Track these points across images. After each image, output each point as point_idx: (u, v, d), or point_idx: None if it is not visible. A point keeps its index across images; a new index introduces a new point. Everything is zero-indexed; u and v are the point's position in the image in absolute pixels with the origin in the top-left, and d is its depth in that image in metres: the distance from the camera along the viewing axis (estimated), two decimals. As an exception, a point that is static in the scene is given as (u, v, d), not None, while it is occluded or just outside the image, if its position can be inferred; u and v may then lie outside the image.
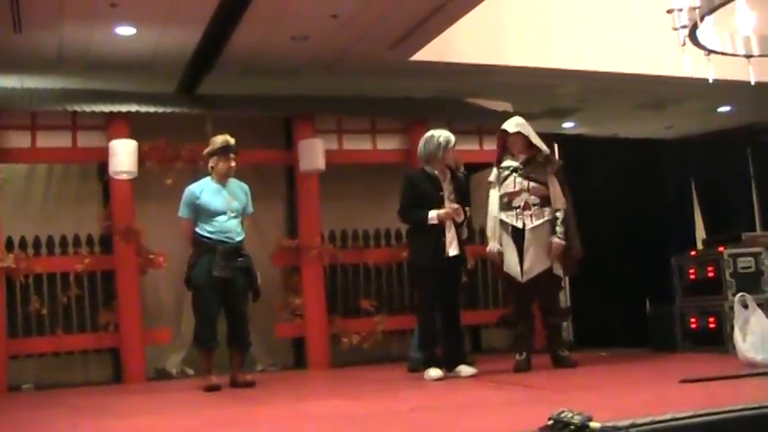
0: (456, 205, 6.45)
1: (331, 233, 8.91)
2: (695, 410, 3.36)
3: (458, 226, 6.49)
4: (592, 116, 11.11)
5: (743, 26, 6.13)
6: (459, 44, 8.39)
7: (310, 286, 8.58)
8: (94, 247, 8.19)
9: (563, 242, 6.53)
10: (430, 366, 6.38)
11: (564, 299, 8.50)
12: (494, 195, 6.69)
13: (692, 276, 7.72)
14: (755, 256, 7.37)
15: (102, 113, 8.02)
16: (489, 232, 6.69)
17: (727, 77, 6.47)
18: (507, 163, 6.67)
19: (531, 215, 6.52)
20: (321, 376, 7.97)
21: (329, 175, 8.58)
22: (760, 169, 11.06)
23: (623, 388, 5.40)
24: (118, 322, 8.00)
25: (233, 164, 6.66)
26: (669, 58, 7.33)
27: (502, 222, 6.59)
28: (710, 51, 6.05)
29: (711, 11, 5.62)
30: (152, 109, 8.15)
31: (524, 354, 6.53)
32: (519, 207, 6.53)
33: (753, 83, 6.12)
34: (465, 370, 6.39)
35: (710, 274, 7.46)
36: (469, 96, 9.78)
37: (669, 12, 5.76)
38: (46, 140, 8.05)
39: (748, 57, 6.18)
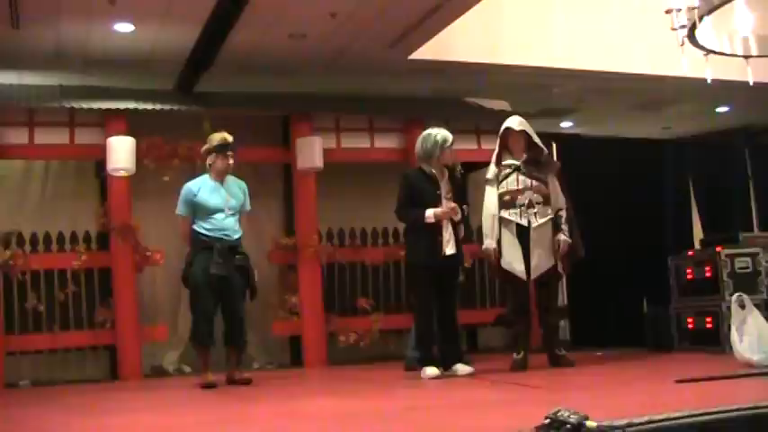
0: (453, 204, 6.44)
1: (328, 231, 8.93)
2: (691, 410, 3.36)
3: (455, 225, 6.49)
4: (589, 116, 11.11)
5: (741, 26, 6.13)
6: (457, 43, 8.39)
7: (307, 284, 8.59)
8: (91, 244, 8.19)
9: (570, 240, 6.55)
10: (427, 365, 6.37)
11: (561, 298, 8.50)
12: (491, 193, 6.67)
13: (689, 276, 7.73)
14: (753, 256, 7.38)
15: (100, 110, 8.03)
16: (486, 230, 6.65)
17: (725, 78, 6.47)
18: (508, 161, 6.66)
19: (535, 213, 6.52)
20: (318, 374, 7.97)
21: (327, 173, 8.59)
22: (758, 170, 11.08)
23: (620, 388, 5.40)
24: (114, 319, 8.00)
25: (231, 161, 6.65)
26: (667, 58, 7.32)
27: (504, 220, 6.56)
28: (709, 52, 6.04)
29: (710, 11, 5.62)
30: (150, 106, 8.16)
31: (522, 353, 6.53)
32: (523, 205, 6.52)
33: (751, 83, 6.12)
34: (462, 369, 6.39)
35: (708, 275, 7.47)
36: (467, 95, 9.78)
37: (668, 12, 5.75)
38: (43, 137, 8.05)
39: (747, 57, 6.18)
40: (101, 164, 8.12)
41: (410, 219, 6.59)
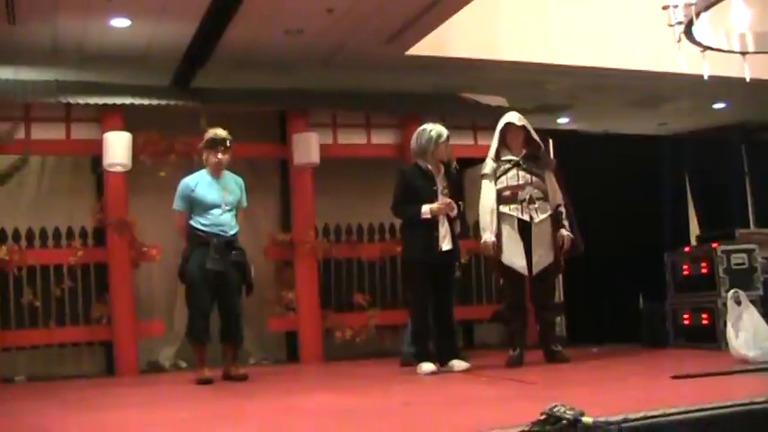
0: (449, 200, 6.44)
1: (325, 227, 8.91)
2: (687, 406, 3.36)
3: (451, 221, 6.49)
4: (586, 112, 11.11)
5: (738, 23, 6.13)
6: (453, 39, 8.39)
7: (303, 280, 8.58)
8: (88, 239, 8.17)
9: (572, 235, 6.56)
10: (423, 361, 6.38)
11: (557, 294, 8.51)
12: (488, 187, 6.65)
13: (685, 272, 7.74)
14: (749, 252, 7.39)
15: (97, 106, 8.00)
16: (485, 224, 6.62)
17: (722, 74, 6.48)
18: (507, 156, 6.66)
19: (536, 209, 6.53)
20: (314, 370, 7.97)
21: (323, 169, 8.58)
22: (754, 166, 11.06)
23: (615, 383, 5.41)
24: (111, 315, 7.99)
25: (220, 156, 6.63)
26: (664, 54, 7.33)
27: (504, 215, 6.55)
28: (706, 48, 6.05)
29: (707, 7, 5.63)
30: (146, 102, 8.14)
31: (518, 349, 6.53)
32: (524, 200, 6.52)
33: (748, 80, 6.12)
34: (458, 364, 6.40)
35: (704, 271, 7.48)
36: (464, 91, 9.78)
37: (665, 8, 5.77)
38: (40, 132, 8.02)
39: (744, 54, 6.18)
40: (97, 159, 8.10)
41: (406, 214, 6.59)
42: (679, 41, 5.76)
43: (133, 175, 8.07)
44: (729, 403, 3.45)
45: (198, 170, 6.80)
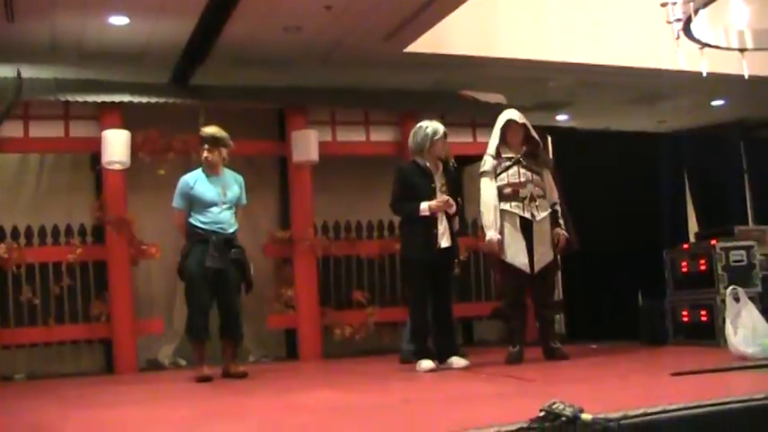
0: (447, 197, 6.44)
1: (324, 225, 8.91)
2: (686, 403, 3.36)
3: (450, 218, 6.49)
4: (585, 110, 11.11)
5: (737, 20, 6.13)
6: (452, 36, 8.39)
7: (303, 278, 8.58)
8: (86, 237, 8.17)
9: (567, 234, 6.58)
10: (422, 358, 6.38)
11: (556, 292, 8.51)
12: (489, 185, 6.64)
13: (684, 269, 7.74)
14: (747, 249, 7.39)
15: (95, 103, 7.99)
16: (488, 222, 6.59)
17: (720, 71, 6.48)
18: (507, 154, 6.66)
19: (537, 206, 6.53)
20: (313, 367, 7.97)
21: (322, 166, 8.58)
22: (753, 163, 11.07)
23: (615, 380, 5.41)
24: (110, 313, 7.99)
25: (206, 154, 6.60)
26: (663, 51, 7.34)
27: (506, 213, 6.55)
28: (704, 45, 6.05)
29: (705, 4, 5.63)
30: (145, 99, 8.13)
31: (517, 346, 6.54)
32: (526, 198, 6.52)
33: (746, 77, 6.13)
34: (457, 362, 6.40)
35: (702, 268, 7.48)
36: (463, 89, 9.77)
37: (663, 5, 5.77)
38: (38, 130, 8.01)
39: (742, 51, 6.19)
40: (96, 157, 8.10)
41: (405, 212, 6.58)
42: (678, 39, 5.76)
43: (132, 172, 8.07)
44: (728, 400, 3.46)
45: (197, 167, 6.79)
